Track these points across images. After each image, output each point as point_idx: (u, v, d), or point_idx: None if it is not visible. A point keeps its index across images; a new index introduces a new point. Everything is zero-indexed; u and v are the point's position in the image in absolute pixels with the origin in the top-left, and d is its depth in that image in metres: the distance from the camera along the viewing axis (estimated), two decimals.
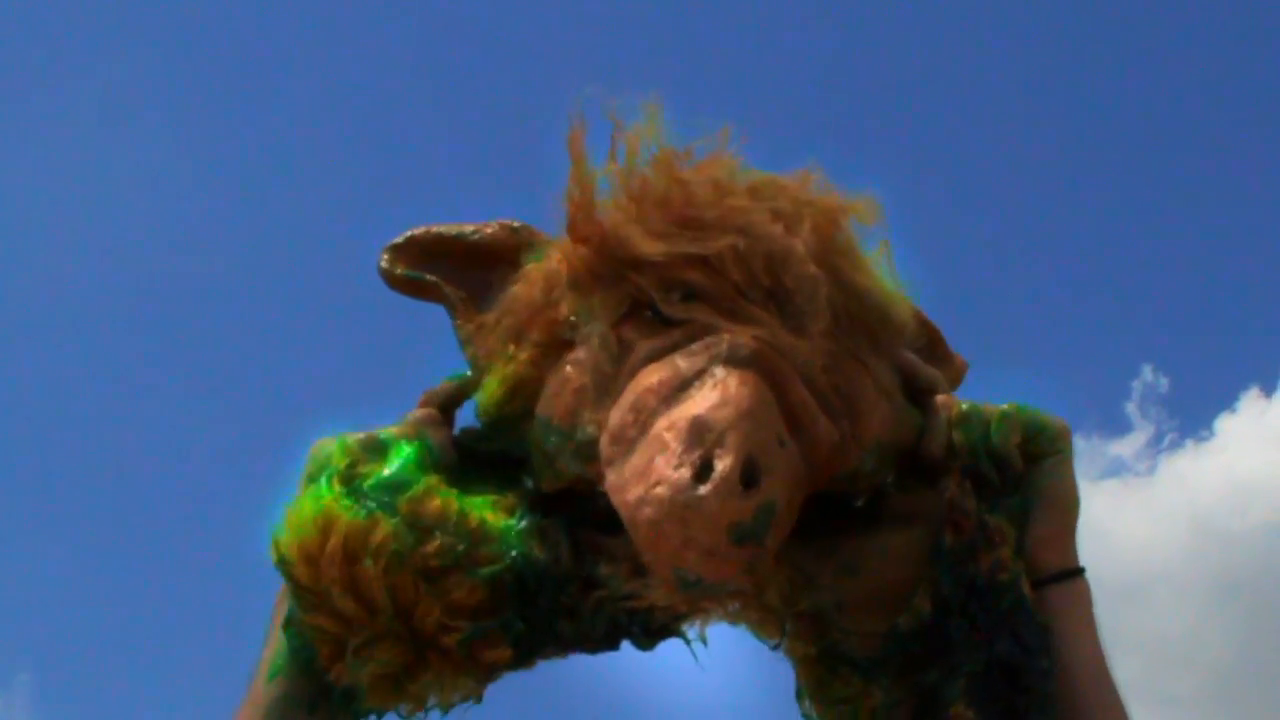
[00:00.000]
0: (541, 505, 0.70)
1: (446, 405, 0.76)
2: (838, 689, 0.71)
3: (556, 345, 0.71)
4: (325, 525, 0.63)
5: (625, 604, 0.66)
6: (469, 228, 0.79)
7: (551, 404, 0.69)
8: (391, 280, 0.78)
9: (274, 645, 0.69)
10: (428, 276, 0.78)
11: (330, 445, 0.72)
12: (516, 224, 0.79)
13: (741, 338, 0.63)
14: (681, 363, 0.64)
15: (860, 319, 0.70)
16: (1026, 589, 0.70)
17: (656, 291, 0.66)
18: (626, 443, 0.62)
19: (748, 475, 0.58)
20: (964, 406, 0.72)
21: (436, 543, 0.64)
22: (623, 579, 0.65)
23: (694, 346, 0.64)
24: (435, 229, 0.79)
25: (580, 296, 0.70)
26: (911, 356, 0.76)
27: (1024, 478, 0.72)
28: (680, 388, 0.62)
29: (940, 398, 0.74)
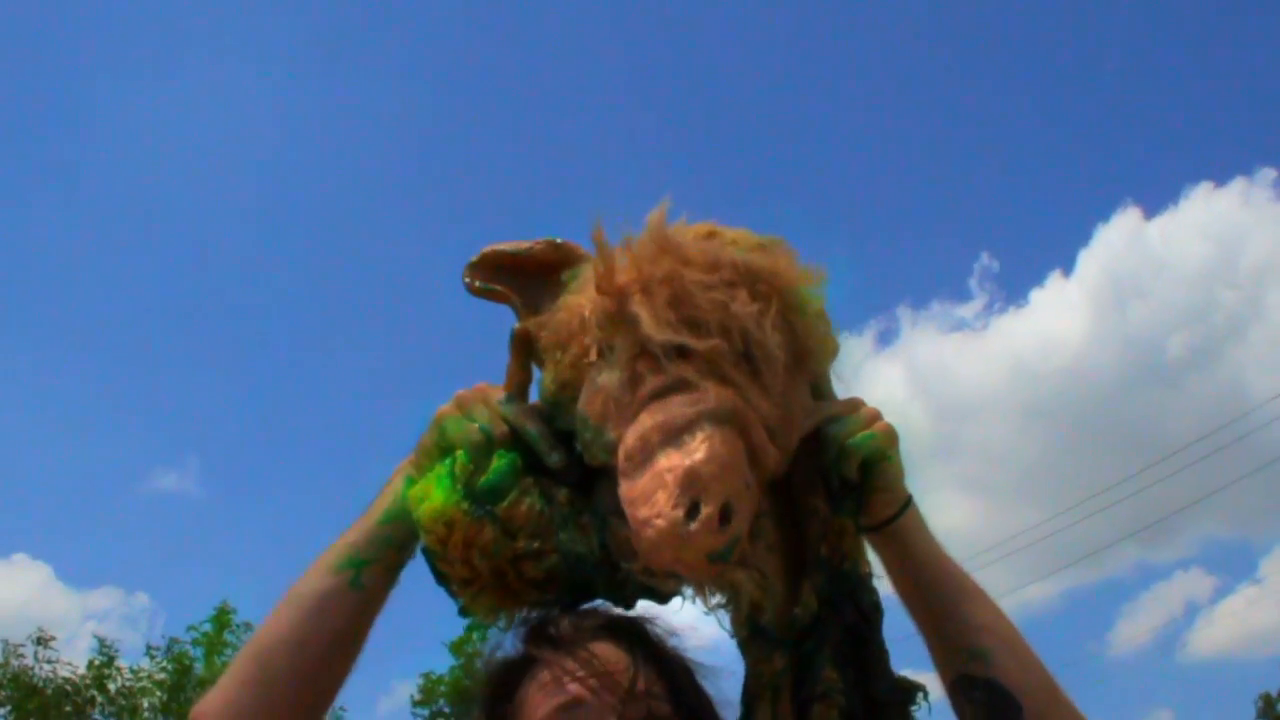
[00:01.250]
0: (584, 488, 0.95)
1: (523, 387, 1.01)
2: (752, 653, 0.96)
3: (589, 355, 0.92)
4: (449, 523, 0.91)
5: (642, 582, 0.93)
6: (523, 245, 1.00)
7: (588, 404, 0.91)
8: (472, 290, 1.00)
9: (391, 496, 0.98)
10: (498, 287, 0.99)
11: (453, 429, 0.95)
12: (559, 240, 0.99)
13: (724, 397, 0.83)
14: (677, 411, 0.83)
15: (803, 360, 0.92)
16: (862, 566, 0.97)
17: (660, 349, 0.86)
18: (636, 463, 0.84)
19: (724, 516, 0.80)
20: (831, 430, 0.97)
21: (521, 543, 0.92)
22: (638, 571, 0.91)
23: (687, 398, 0.84)
24: (498, 247, 1.00)
25: (603, 332, 0.90)
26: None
27: (861, 483, 0.96)
28: (677, 432, 0.83)
29: (830, 405, 0.99)
